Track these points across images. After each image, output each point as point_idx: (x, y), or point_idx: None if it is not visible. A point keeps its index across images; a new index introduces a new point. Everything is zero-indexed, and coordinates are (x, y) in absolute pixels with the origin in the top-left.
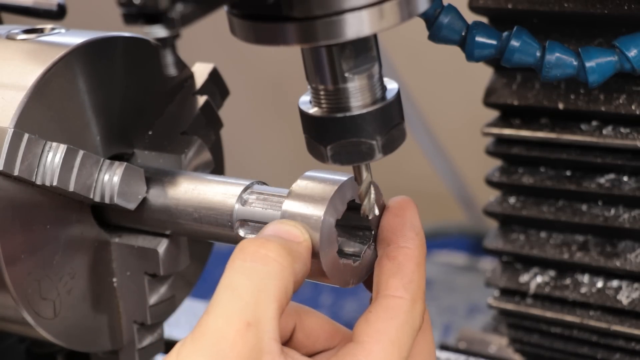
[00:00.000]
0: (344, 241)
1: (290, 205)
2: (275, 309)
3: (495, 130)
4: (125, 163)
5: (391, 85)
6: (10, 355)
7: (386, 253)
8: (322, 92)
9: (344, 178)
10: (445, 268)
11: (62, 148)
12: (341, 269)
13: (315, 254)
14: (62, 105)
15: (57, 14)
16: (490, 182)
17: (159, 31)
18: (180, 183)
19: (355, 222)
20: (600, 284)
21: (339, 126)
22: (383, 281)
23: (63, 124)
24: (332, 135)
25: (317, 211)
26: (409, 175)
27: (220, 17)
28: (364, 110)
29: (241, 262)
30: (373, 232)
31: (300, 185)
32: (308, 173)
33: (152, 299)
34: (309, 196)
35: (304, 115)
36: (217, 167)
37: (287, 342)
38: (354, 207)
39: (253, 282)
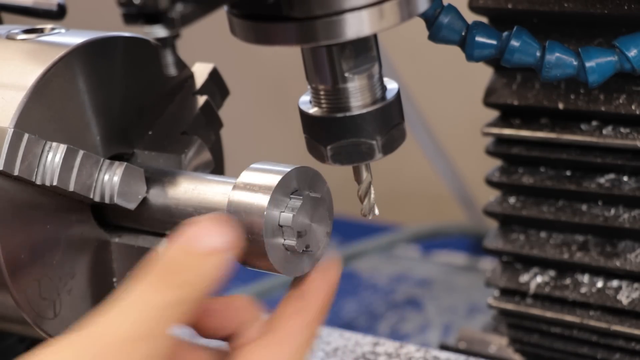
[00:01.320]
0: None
1: (234, 197)
2: (167, 333)
3: (495, 130)
4: (125, 163)
5: (391, 85)
6: (10, 355)
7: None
8: (322, 92)
9: (288, 169)
10: (445, 268)
11: (62, 148)
12: (289, 259)
13: (261, 246)
14: (62, 105)
15: (57, 14)
16: (490, 182)
17: (159, 31)
18: (180, 183)
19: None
20: (600, 284)
21: (339, 126)
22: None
23: (63, 124)
24: (332, 135)
25: (260, 202)
26: (409, 175)
27: (220, 17)
28: (364, 110)
29: (153, 277)
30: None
31: (244, 177)
32: (254, 165)
33: None
34: (252, 188)
35: (303, 115)
36: (217, 167)
37: None
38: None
39: (154, 302)
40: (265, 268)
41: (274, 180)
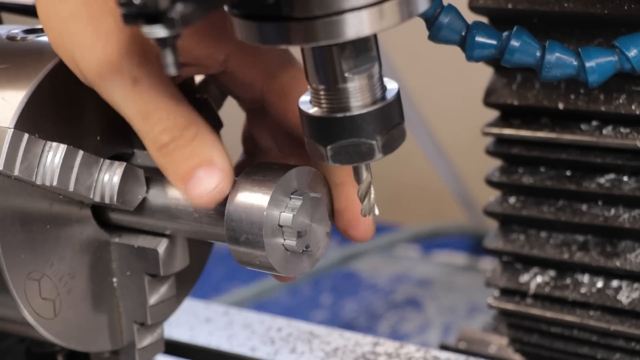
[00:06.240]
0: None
1: (233, 197)
2: None
3: (495, 130)
4: (125, 163)
5: (391, 85)
6: (10, 355)
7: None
8: (322, 92)
9: (288, 169)
10: (445, 268)
11: (62, 148)
12: (289, 259)
13: (260, 247)
14: (62, 105)
15: None
16: (490, 182)
17: (159, 31)
18: None
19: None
20: (600, 284)
21: (339, 126)
22: None
23: (63, 124)
24: (332, 136)
25: (260, 202)
26: (409, 175)
27: None
28: (364, 110)
29: None
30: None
31: (244, 177)
32: (254, 165)
33: (152, 299)
34: (252, 188)
35: (303, 115)
36: None
37: None
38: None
39: None
40: (265, 268)
41: (274, 180)
